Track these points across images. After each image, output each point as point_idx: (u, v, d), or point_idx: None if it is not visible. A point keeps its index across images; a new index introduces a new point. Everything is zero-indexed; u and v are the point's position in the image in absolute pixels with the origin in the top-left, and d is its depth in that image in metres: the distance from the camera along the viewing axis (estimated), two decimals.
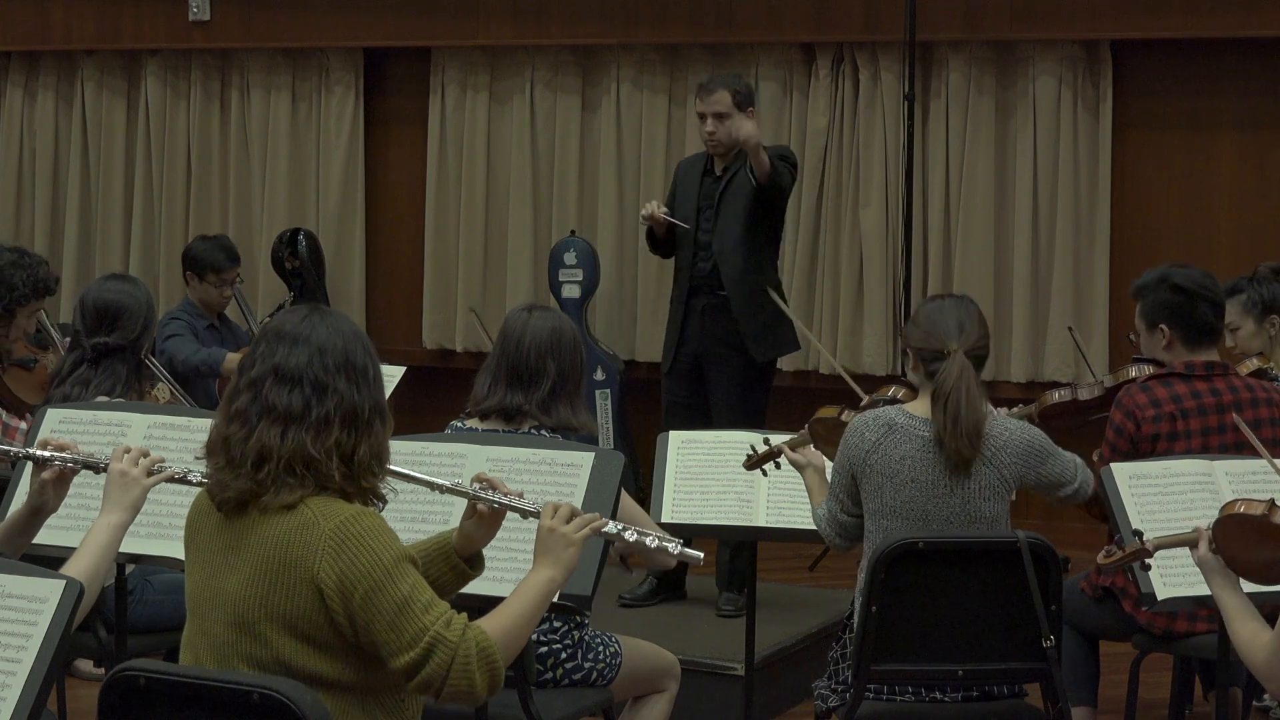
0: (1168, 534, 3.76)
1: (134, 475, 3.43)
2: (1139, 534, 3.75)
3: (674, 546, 3.27)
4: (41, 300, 5.39)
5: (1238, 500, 3.49)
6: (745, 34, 8.27)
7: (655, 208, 6.40)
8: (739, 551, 6.29)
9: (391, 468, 3.17)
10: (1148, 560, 3.75)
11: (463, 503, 3.32)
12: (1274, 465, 4.02)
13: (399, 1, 8.80)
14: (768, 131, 8.30)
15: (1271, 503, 3.42)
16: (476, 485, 3.28)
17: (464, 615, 3.01)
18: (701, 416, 6.36)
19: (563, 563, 3.18)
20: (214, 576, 3.04)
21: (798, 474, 4.63)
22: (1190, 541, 3.54)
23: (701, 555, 3.35)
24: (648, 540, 3.27)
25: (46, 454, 3.52)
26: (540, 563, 3.18)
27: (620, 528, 3.30)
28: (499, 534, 3.37)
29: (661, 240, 6.52)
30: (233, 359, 6.79)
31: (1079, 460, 4.33)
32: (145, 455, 3.46)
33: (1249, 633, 3.30)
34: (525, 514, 3.28)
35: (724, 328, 6.41)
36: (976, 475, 4.14)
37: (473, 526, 3.30)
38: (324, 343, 3.03)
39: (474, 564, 3.33)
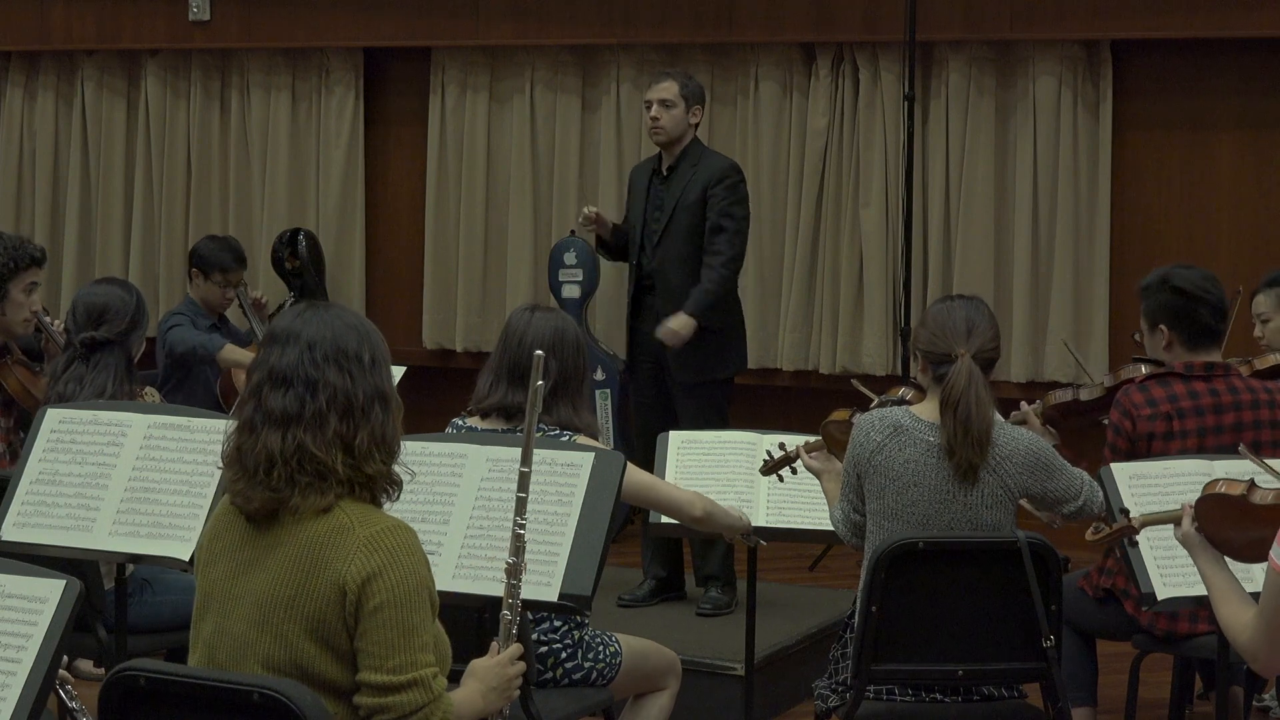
0: (1153, 511, 3.81)
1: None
2: (1125, 511, 3.82)
3: None
4: (30, 270, 5.33)
5: (1219, 480, 3.51)
6: (745, 34, 8.27)
7: (592, 210, 6.48)
8: (710, 547, 6.31)
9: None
10: (1134, 537, 3.83)
11: (463, 508, 3.30)
12: (1261, 464, 4.03)
13: (399, 1, 8.80)
14: (768, 131, 8.32)
15: (1251, 483, 3.44)
16: None
17: (444, 680, 2.99)
18: (672, 417, 6.34)
19: (492, 701, 3.15)
20: (241, 574, 3.03)
21: (805, 476, 4.63)
22: (1175, 518, 3.56)
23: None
24: None
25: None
26: (473, 688, 3.14)
27: None
28: (490, 534, 3.34)
29: (612, 245, 6.57)
30: (230, 350, 6.89)
31: (1087, 478, 4.28)
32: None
33: (1233, 611, 3.32)
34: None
35: None
36: (980, 483, 4.11)
37: None
38: (313, 337, 3.03)
39: None
